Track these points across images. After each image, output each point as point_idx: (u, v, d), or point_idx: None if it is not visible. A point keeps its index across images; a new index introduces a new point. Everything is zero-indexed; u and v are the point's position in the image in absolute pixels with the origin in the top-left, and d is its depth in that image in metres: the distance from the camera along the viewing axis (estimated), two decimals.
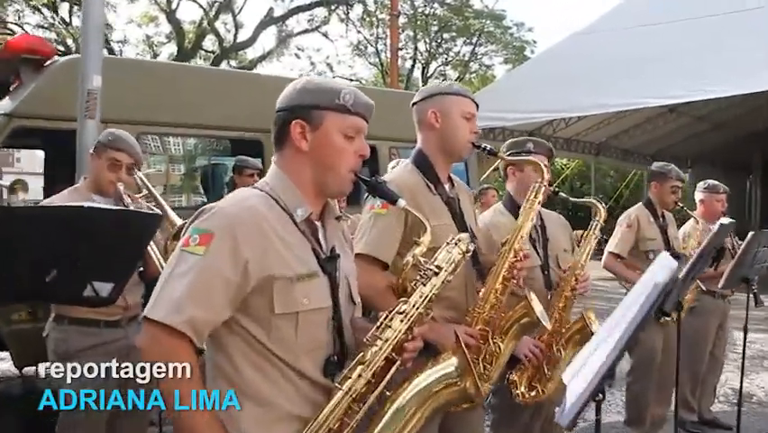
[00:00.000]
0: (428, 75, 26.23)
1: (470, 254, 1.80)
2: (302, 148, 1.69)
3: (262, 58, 23.63)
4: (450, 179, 2.61)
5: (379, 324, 1.64)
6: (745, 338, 4.43)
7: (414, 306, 1.65)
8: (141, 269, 3.05)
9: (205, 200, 6.97)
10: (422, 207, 2.21)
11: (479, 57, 26.86)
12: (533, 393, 2.86)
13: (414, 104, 2.62)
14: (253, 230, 1.56)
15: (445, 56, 26.94)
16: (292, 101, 1.72)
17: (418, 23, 24.98)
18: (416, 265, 1.72)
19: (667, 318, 4.23)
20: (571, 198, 3.38)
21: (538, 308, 2.46)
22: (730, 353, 6.18)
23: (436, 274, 1.69)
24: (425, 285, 1.68)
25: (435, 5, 24.83)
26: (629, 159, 19.38)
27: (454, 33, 25.70)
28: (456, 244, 1.76)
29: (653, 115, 15.78)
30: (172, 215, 3.18)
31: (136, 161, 3.15)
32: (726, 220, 2.91)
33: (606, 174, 24.03)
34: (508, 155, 2.94)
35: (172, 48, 22.71)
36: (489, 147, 2.56)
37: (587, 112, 13.23)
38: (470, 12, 24.87)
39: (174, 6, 21.67)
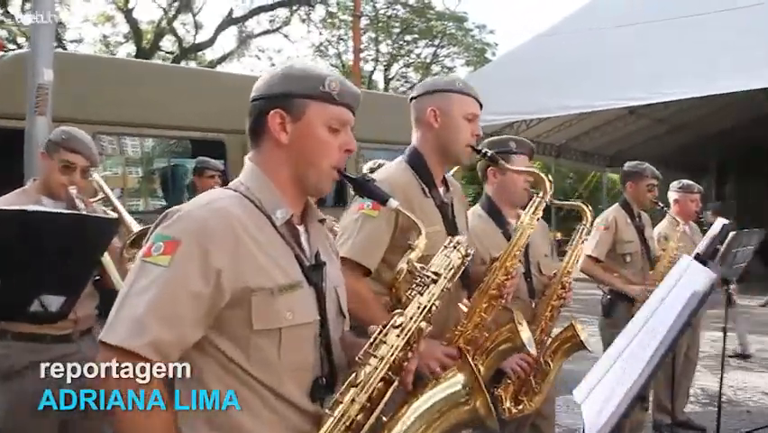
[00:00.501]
0: (390, 77, 26.16)
1: (470, 259, 1.62)
2: (281, 141, 1.49)
3: (222, 59, 23.29)
4: (445, 182, 2.43)
5: (372, 340, 1.45)
6: (725, 339, 4.39)
7: (411, 318, 1.46)
8: (98, 277, 2.79)
9: (165, 204, 6.72)
10: (413, 210, 2.01)
11: (440, 59, 26.85)
12: (519, 407, 2.71)
13: (412, 99, 2.42)
14: (226, 235, 1.37)
15: (407, 58, 26.87)
16: (271, 88, 1.52)
17: (380, 24, 24.87)
18: (412, 272, 1.53)
19: None
20: (555, 201, 3.23)
21: (525, 334, 2.30)
22: None
23: (435, 282, 1.51)
24: (422, 294, 1.50)
25: (397, 7, 24.75)
26: (589, 161, 19.54)
27: (416, 35, 25.63)
28: (455, 247, 1.59)
29: (612, 117, 15.92)
30: (129, 220, 2.93)
31: (92, 163, 2.89)
32: (724, 220, 2.81)
33: (565, 176, 24.23)
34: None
35: (130, 48, 22.24)
36: (490, 152, 2.37)
37: (548, 114, 13.30)
38: (432, 14, 24.84)
39: (132, 5, 21.19)
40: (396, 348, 1.44)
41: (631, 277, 4.20)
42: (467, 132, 2.32)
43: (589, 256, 4.14)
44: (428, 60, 26.60)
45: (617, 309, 4.17)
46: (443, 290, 1.52)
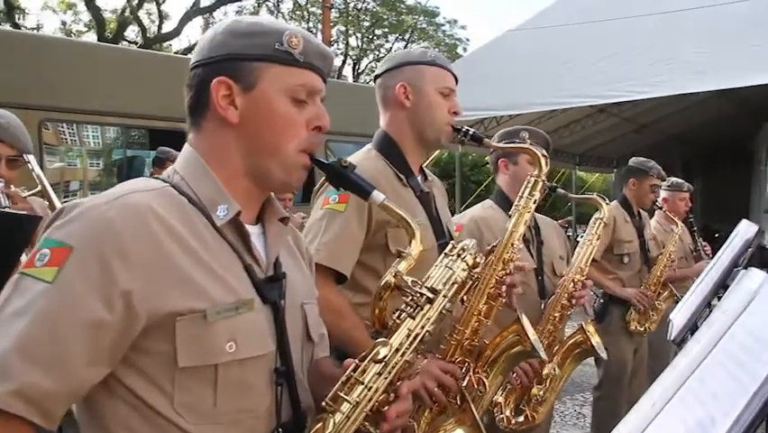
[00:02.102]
0: (359, 71, 25.79)
1: (478, 270, 1.29)
2: (229, 119, 1.14)
3: (188, 50, 22.65)
4: (422, 171, 2.09)
5: (344, 378, 1.10)
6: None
7: (397, 350, 1.11)
8: None
9: None
10: None
11: None
12: (520, 419, 2.40)
13: (377, 76, 2.08)
14: (140, 240, 1.01)
15: (377, 52, 26.53)
16: (213, 50, 1.17)
17: (350, 18, 24.52)
18: (401, 288, 1.17)
19: (640, 329, 3.89)
20: (570, 195, 2.94)
21: (533, 335, 1.95)
22: None
23: (430, 301, 1.15)
24: (413, 318, 1.14)
25: (368, 0, 24.43)
26: (557, 158, 19.38)
27: (386, 29, 25.34)
28: (459, 256, 1.23)
29: (582, 115, 15.83)
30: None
31: (20, 151, 2.49)
32: (752, 224, 2.53)
33: None
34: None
35: (92, 37, 21.54)
36: (472, 131, 2.01)
37: (518, 111, 13.08)
38: (403, 7, 24.57)
39: None
40: (375, 391, 1.08)
41: (627, 281, 3.94)
42: (443, 109, 1.99)
43: None
44: None
45: (610, 314, 3.90)
46: (440, 313, 1.17)
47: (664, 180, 4.25)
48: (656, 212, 4.55)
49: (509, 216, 2.12)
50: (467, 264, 1.24)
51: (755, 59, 9.81)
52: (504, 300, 1.98)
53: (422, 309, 1.15)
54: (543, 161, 2.14)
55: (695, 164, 22.76)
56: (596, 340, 2.48)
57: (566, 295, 2.56)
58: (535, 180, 2.15)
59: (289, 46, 1.15)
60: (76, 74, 5.12)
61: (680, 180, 4.73)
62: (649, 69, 10.87)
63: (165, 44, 22.97)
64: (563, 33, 12.23)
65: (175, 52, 22.37)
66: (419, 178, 2.05)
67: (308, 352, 1.23)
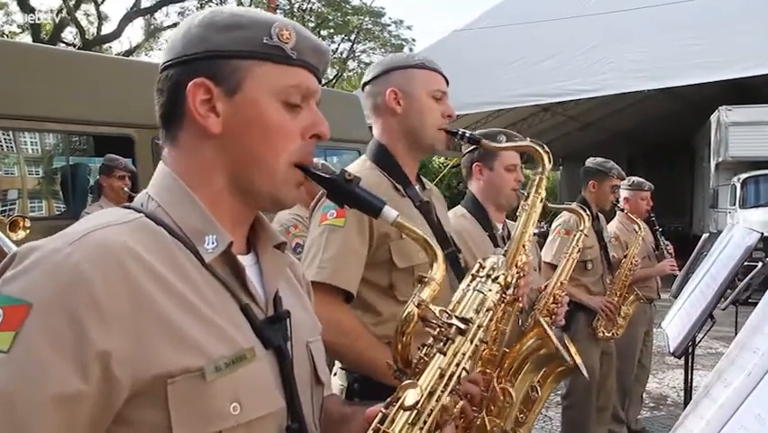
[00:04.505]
0: None
1: (510, 290, 1.16)
2: (209, 128, 0.96)
3: (129, 52, 22.10)
4: (419, 179, 2.01)
5: (373, 430, 0.93)
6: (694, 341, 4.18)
7: (430, 392, 0.95)
8: None
9: (63, 210, 5.95)
10: None
11: (357, 54, 26.47)
12: None
13: (365, 84, 1.98)
14: (115, 288, 0.82)
15: None
16: (188, 47, 0.98)
17: (295, 18, 24.24)
18: (426, 319, 1.01)
19: (607, 335, 3.85)
20: (549, 204, 2.85)
21: (555, 339, 1.87)
22: None
23: (462, 332, 0.99)
24: (443, 353, 0.98)
25: (313, 0, 24.20)
26: None
27: (332, 30, 25.15)
28: (489, 276, 1.07)
29: (527, 114, 16.11)
30: (4, 241, 2.32)
31: None
32: (750, 232, 2.48)
33: None
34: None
35: (26, 39, 20.72)
36: (469, 134, 1.92)
37: (465, 111, 13.21)
38: (349, 8, 24.42)
39: None
40: None
41: (591, 286, 3.88)
42: (436, 112, 1.91)
43: (549, 264, 3.68)
44: (344, 56, 26.20)
45: (577, 321, 3.83)
46: (475, 345, 1.01)
47: (624, 180, 4.21)
48: (618, 213, 4.52)
49: (517, 216, 2.05)
50: (500, 285, 1.08)
51: (697, 58, 10.08)
52: (520, 305, 1.89)
53: (453, 342, 0.99)
54: (545, 157, 2.06)
55: (639, 161, 23.35)
56: (579, 359, 2.40)
57: (546, 311, 2.49)
58: (540, 178, 2.08)
59: (280, 40, 0.97)
60: (11, 78, 4.81)
61: (641, 180, 4.70)
62: (593, 68, 11.14)
63: (105, 46, 22.32)
64: (509, 34, 12.42)
65: (116, 54, 21.77)
66: (417, 187, 1.96)
67: (318, 398, 1.07)
